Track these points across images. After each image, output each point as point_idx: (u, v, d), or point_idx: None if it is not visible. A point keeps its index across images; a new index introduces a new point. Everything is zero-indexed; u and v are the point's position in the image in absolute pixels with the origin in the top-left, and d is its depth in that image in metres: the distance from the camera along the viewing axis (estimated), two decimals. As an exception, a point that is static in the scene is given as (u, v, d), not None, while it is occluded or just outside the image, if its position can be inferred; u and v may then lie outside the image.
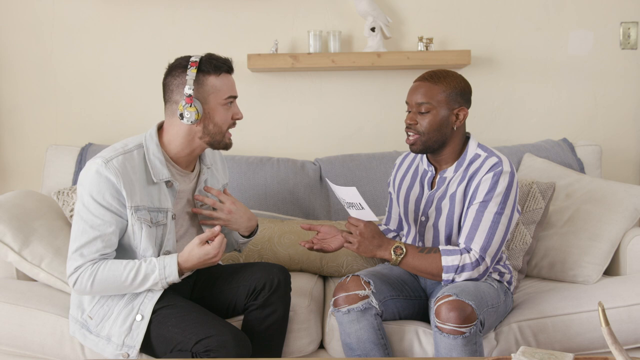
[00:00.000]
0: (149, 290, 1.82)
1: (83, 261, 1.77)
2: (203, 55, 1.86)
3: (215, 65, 1.83)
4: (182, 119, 1.81)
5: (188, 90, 1.80)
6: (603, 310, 1.28)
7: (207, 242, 1.80)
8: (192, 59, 1.83)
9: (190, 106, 1.80)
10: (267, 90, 2.93)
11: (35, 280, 2.25)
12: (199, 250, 1.79)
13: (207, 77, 1.82)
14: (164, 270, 1.79)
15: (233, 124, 1.91)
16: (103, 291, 1.81)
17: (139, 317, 1.81)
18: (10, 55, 2.91)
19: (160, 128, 1.92)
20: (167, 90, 1.86)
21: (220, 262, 2.15)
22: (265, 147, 2.94)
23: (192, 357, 1.72)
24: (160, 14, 2.89)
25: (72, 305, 1.92)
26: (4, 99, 2.94)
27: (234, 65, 1.91)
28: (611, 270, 2.39)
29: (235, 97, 1.89)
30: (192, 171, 1.96)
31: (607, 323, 1.29)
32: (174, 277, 1.79)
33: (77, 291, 1.81)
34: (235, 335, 1.75)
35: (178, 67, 1.84)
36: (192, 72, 1.80)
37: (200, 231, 2.00)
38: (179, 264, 1.80)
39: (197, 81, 1.81)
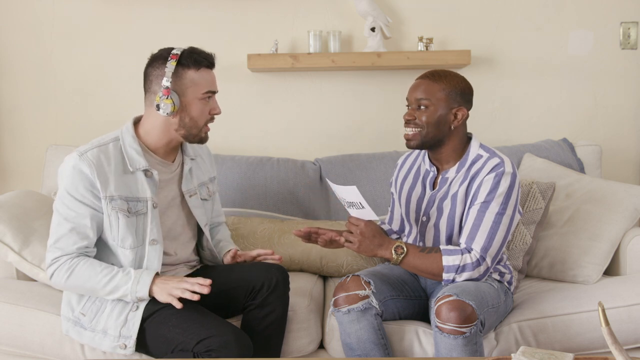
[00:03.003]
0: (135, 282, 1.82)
1: (61, 253, 1.80)
2: (186, 48, 1.87)
3: (195, 60, 1.85)
4: (158, 109, 1.83)
5: (165, 82, 1.81)
6: (603, 310, 1.28)
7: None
8: (174, 51, 1.85)
9: (167, 98, 1.81)
10: (267, 90, 2.93)
11: (35, 280, 2.25)
12: (176, 280, 1.80)
13: (186, 70, 1.84)
14: (136, 285, 1.79)
15: (211, 119, 1.92)
16: (75, 288, 1.83)
17: (134, 308, 1.82)
18: (10, 55, 2.91)
19: (138, 122, 1.94)
20: (147, 80, 1.88)
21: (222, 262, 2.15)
22: (265, 147, 2.94)
23: (194, 357, 1.72)
24: (160, 14, 2.89)
25: (63, 305, 1.93)
26: (4, 99, 2.94)
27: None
28: (611, 270, 2.39)
29: (214, 92, 1.90)
30: (174, 162, 1.97)
31: (607, 323, 1.29)
32: (142, 293, 1.79)
33: (53, 283, 1.83)
34: (237, 335, 1.75)
35: (159, 58, 1.86)
36: (171, 65, 1.82)
37: (190, 222, 2.02)
38: (153, 282, 1.79)
39: (175, 74, 1.83)
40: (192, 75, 1.84)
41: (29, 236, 2.20)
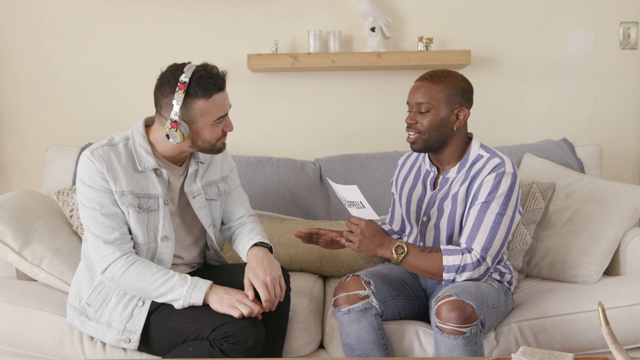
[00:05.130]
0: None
1: (104, 241, 1.79)
2: (194, 69, 1.78)
3: (204, 88, 1.77)
4: (168, 138, 1.81)
5: (174, 116, 1.77)
6: (603, 310, 1.28)
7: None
8: (182, 78, 1.76)
9: (176, 130, 1.79)
10: (267, 90, 2.93)
11: (35, 280, 2.25)
12: (238, 293, 1.81)
13: (195, 100, 1.78)
14: (192, 290, 1.79)
15: (224, 135, 1.89)
16: (127, 286, 1.81)
17: (140, 303, 1.83)
18: (11, 55, 2.91)
19: (149, 125, 1.93)
20: (157, 102, 1.85)
21: (222, 261, 2.14)
22: (265, 147, 2.94)
23: (210, 344, 1.74)
24: (160, 14, 2.89)
25: (71, 293, 1.94)
26: (4, 99, 2.94)
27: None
28: (611, 270, 2.40)
29: (226, 114, 1.86)
30: (181, 166, 1.97)
31: (607, 323, 1.29)
32: (197, 299, 1.79)
33: (107, 278, 1.81)
34: (251, 320, 1.77)
35: (167, 84, 1.79)
36: (179, 97, 1.76)
37: (196, 223, 2.01)
38: (211, 290, 1.80)
39: (184, 104, 1.78)
40: (201, 105, 1.79)
41: (29, 236, 2.20)
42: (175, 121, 1.77)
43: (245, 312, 1.75)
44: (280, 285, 1.85)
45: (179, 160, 1.95)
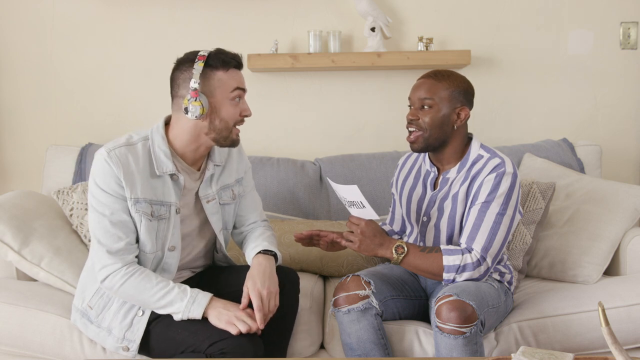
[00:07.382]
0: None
1: (108, 250, 1.76)
2: (212, 50, 1.84)
3: (223, 60, 1.81)
4: (186, 113, 1.78)
5: (194, 84, 1.77)
6: (603, 310, 1.28)
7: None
8: (201, 52, 1.81)
9: (195, 100, 1.76)
10: (267, 90, 2.93)
11: (35, 280, 2.25)
12: (237, 308, 1.77)
13: (214, 71, 1.80)
14: (191, 304, 1.76)
15: (241, 121, 1.87)
16: (127, 297, 1.79)
17: (140, 313, 1.82)
18: (11, 55, 2.91)
19: (168, 123, 1.89)
20: (174, 84, 1.83)
21: (229, 261, 2.13)
22: (265, 147, 2.94)
23: (206, 358, 1.71)
24: (160, 14, 2.89)
25: (77, 291, 1.92)
26: (4, 99, 2.94)
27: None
28: (611, 270, 2.40)
29: (243, 89, 1.85)
30: (199, 170, 1.93)
31: (607, 323, 1.29)
32: (197, 314, 1.76)
33: (105, 287, 1.79)
34: (250, 336, 1.74)
35: (186, 61, 1.82)
36: (199, 66, 1.78)
37: (207, 228, 1.99)
38: (210, 304, 1.77)
39: (203, 75, 1.79)
40: (220, 75, 1.80)
41: (28, 235, 2.21)
42: (195, 89, 1.77)
43: (244, 329, 1.72)
44: (275, 301, 1.82)
45: (197, 161, 1.91)
